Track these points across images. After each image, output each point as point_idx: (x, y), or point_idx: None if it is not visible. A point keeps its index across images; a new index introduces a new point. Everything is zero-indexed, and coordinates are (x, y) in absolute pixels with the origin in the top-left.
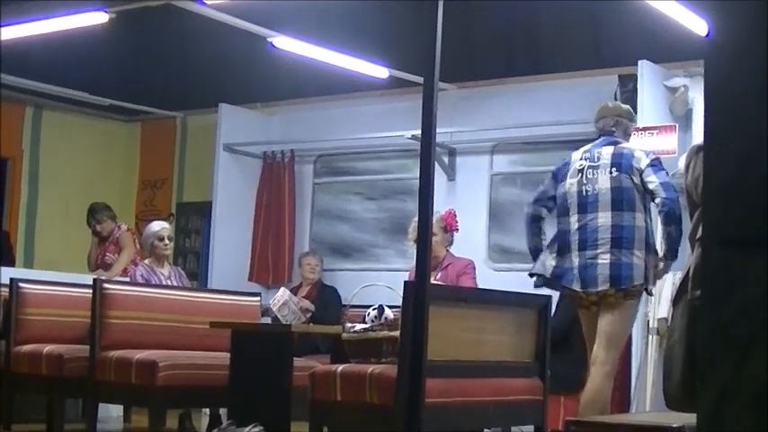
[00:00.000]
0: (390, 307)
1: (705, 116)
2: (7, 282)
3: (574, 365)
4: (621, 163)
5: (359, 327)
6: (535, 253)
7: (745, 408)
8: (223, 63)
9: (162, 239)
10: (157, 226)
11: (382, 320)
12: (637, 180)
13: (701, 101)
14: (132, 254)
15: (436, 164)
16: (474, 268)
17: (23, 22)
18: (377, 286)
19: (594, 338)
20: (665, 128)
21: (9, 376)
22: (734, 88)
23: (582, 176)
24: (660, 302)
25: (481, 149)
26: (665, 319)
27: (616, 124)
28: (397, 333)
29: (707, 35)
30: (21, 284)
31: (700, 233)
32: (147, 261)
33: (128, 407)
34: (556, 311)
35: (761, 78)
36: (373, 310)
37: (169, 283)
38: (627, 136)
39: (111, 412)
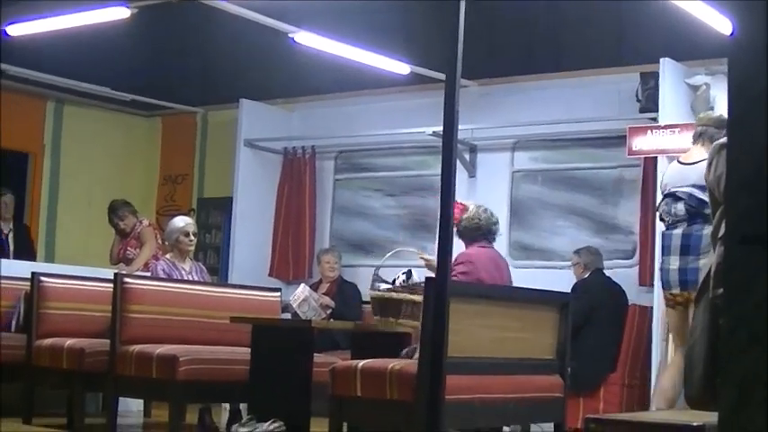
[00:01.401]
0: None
1: (729, 114)
2: (29, 276)
3: (591, 364)
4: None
5: (384, 287)
6: None
7: (765, 402)
8: (244, 59)
9: (187, 235)
10: (182, 222)
11: (408, 283)
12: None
13: (723, 99)
14: (154, 249)
15: (457, 160)
16: (462, 262)
17: (45, 17)
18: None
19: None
20: (687, 126)
21: (30, 370)
22: (757, 87)
23: None
24: None
25: (502, 146)
26: None
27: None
28: (416, 297)
29: (731, 34)
30: (42, 278)
31: (722, 231)
32: (168, 256)
33: (148, 401)
34: None
35: None
36: (403, 273)
37: (190, 278)
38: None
39: (132, 406)
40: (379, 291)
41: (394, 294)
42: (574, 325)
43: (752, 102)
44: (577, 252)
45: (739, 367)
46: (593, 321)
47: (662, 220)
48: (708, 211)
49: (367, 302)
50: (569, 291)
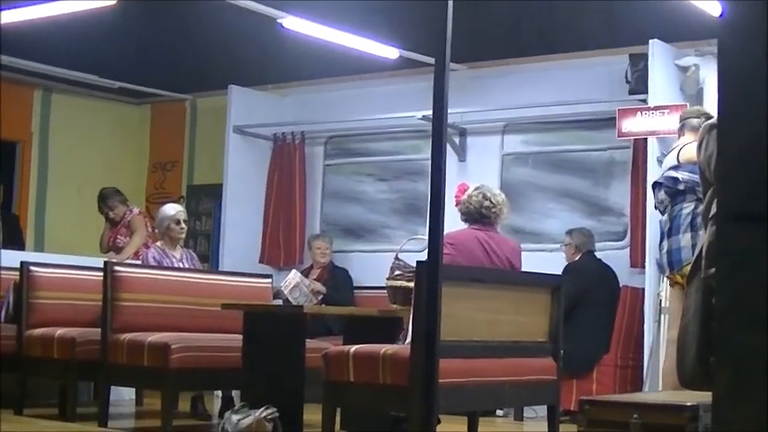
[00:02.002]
0: None
1: (719, 94)
2: (18, 266)
3: (584, 346)
4: None
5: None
6: None
7: (760, 382)
8: (233, 45)
9: (178, 223)
10: (173, 209)
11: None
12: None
13: (713, 80)
14: (144, 237)
15: (447, 144)
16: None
17: (32, 4)
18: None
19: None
20: (676, 107)
21: (21, 360)
22: (747, 67)
23: None
24: None
25: (492, 129)
26: None
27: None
28: (406, 283)
29: (720, 15)
30: (31, 268)
31: (713, 211)
32: (158, 244)
33: (140, 390)
34: None
35: None
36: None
37: (181, 265)
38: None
39: (124, 395)
40: (393, 278)
41: (389, 282)
42: (566, 307)
43: (742, 82)
44: (570, 233)
45: (734, 347)
46: (586, 303)
47: (656, 209)
48: (682, 187)
49: (359, 288)
50: (561, 273)
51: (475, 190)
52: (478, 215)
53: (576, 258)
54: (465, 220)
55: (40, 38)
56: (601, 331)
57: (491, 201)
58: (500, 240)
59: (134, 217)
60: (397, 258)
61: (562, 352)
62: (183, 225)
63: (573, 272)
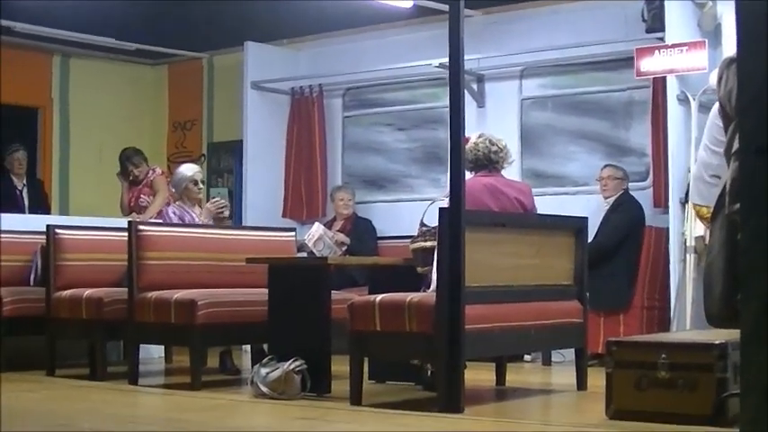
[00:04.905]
0: None
1: (737, 29)
2: (44, 230)
3: (619, 283)
4: None
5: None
6: None
7: None
8: (246, 1)
9: (196, 183)
10: (190, 170)
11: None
12: None
13: (730, 15)
14: (166, 197)
15: (465, 91)
16: None
17: None
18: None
19: None
20: (695, 44)
21: (51, 322)
22: (766, 1)
23: None
24: (696, 220)
25: (510, 75)
26: (702, 237)
27: None
28: (426, 243)
29: None
30: (57, 231)
31: (735, 146)
32: (177, 203)
33: (168, 347)
34: (604, 227)
35: None
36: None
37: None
38: None
39: (153, 353)
40: (416, 242)
41: (411, 244)
42: (607, 245)
43: (761, 16)
44: (611, 166)
45: (760, 282)
46: (631, 239)
47: None
48: None
49: (382, 238)
50: (584, 215)
51: (479, 137)
52: (487, 161)
53: (622, 190)
54: (471, 169)
55: (55, 3)
56: (633, 269)
57: (497, 145)
58: (506, 183)
59: (156, 177)
60: (422, 224)
61: (588, 294)
62: (201, 185)
63: (628, 201)
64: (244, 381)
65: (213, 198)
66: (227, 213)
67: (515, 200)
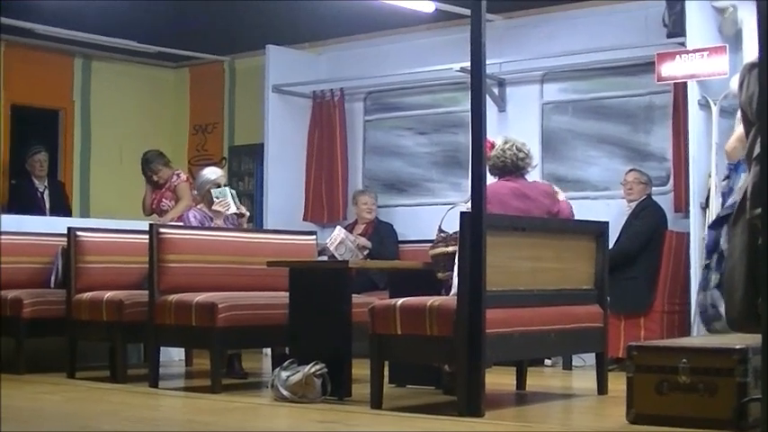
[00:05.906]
0: None
1: (759, 34)
2: (65, 231)
3: (640, 287)
4: None
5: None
6: None
7: None
8: (269, 4)
9: (219, 187)
10: (213, 174)
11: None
12: None
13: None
14: (189, 205)
15: (486, 95)
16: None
17: None
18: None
19: None
20: (716, 49)
21: (71, 324)
22: None
23: None
24: None
25: (531, 79)
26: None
27: None
28: (448, 248)
29: None
30: (78, 233)
31: (756, 151)
32: (199, 207)
33: (189, 350)
34: (627, 232)
35: None
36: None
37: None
38: None
39: (173, 356)
40: (436, 247)
41: (430, 251)
42: (630, 249)
43: None
44: (636, 171)
45: None
46: (652, 243)
47: None
48: None
49: (403, 242)
50: (604, 220)
51: (505, 144)
52: (514, 167)
53: (646, 195)
54: (496, 175)
55: (78, 6)
56: (654, 273)
57: (524, 151)
58: (530, 186)
59: (181, 183)
60: (440, 230)
61: (608, 299)
62: (223, 190)
63: (651, 206)
64: (264, 384)
65: (216, 198)
66: (232, 208)
67: (540, 203)
